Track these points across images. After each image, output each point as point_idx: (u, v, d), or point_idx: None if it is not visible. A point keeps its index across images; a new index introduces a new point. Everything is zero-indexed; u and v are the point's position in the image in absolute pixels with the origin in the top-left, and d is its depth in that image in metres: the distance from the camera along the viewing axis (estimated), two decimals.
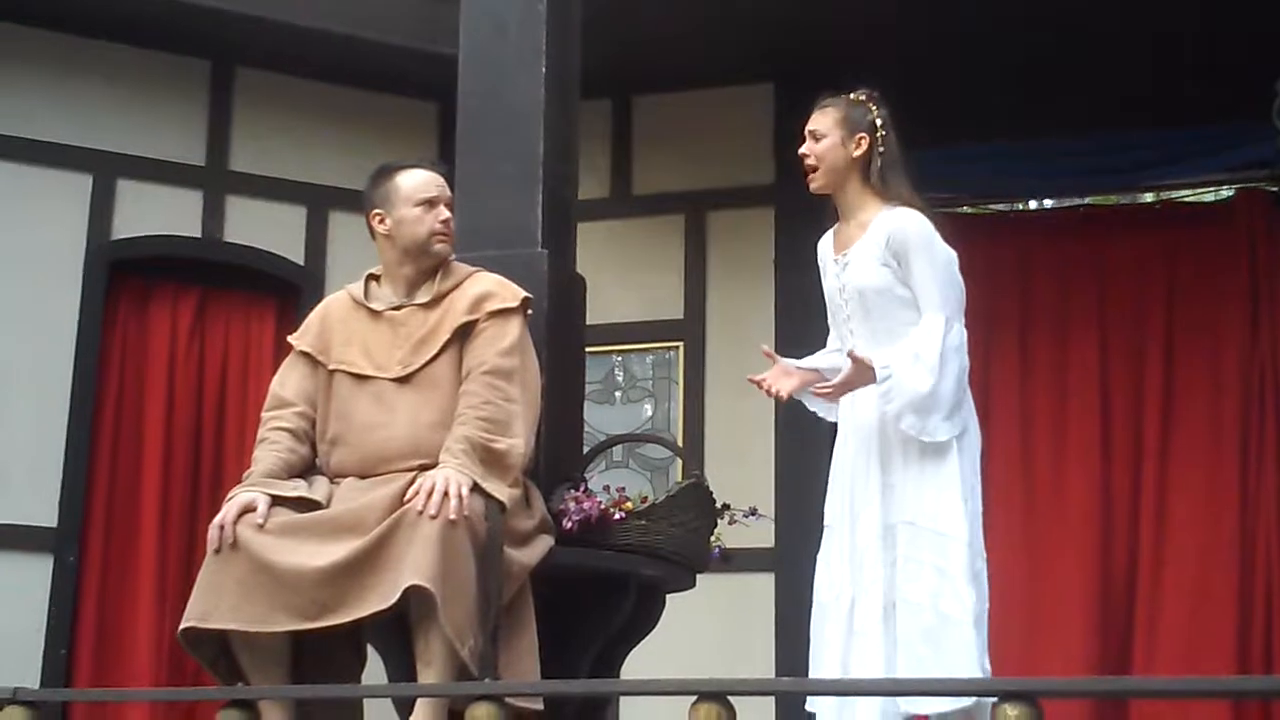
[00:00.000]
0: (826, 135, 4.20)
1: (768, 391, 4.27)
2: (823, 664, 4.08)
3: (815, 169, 4.22)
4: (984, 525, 6.11)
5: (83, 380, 6.65)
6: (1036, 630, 6.51)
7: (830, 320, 4.35)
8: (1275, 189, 6.75)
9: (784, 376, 4.28)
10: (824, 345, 4.41)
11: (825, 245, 4.33)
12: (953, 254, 4.16)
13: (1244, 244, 6.65)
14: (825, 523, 4.24)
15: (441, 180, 4.11)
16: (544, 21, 4.43)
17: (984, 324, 6.85)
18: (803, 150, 4.24)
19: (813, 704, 4.05)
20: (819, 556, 4.23)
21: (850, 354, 4.04)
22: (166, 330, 6.92)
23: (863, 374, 4.03)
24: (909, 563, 4.00)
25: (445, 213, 4.05)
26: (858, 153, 4.19)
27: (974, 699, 3.84)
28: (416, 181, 4.06)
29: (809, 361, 4.37)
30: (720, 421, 6.95)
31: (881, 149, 4.18)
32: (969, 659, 3.91)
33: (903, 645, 3.96)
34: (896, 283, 4.12)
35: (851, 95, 4.26)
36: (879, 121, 4.20)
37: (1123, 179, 7.08)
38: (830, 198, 4.28)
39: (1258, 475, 6.47)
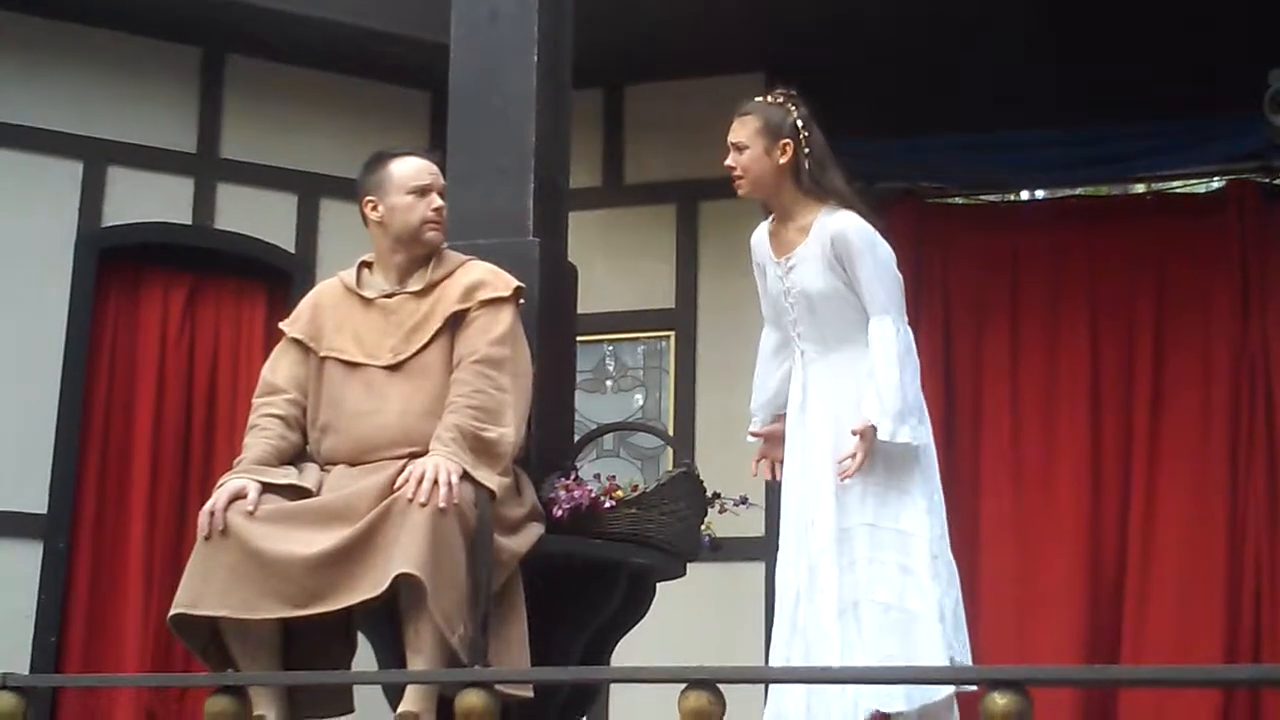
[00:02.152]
0: (749, 146, 4.18)
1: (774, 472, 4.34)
2: (771, 662, 4.11)
3: (741, 178, 4.22)
4: (973, 516, 6.14)
5: (73, 367, 6.64)
6: (1027, 620, 6.52)
7: (769, 317, 4.37)
8: (1266, 180, 6.76)
9: (777, 446, 4.33)
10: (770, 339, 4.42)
11: (762, 245, 4.31)
12: (891, 251, 4.16)
13: (1235, 235, 6.66)
14: (782, 527, 4.27)
15: (435, 168, 4.10)
16: (536, 10, 4.42)
17: (975, 314, 6.89)
18: (728, 163, 4.22)
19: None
20: (777, 559, 4.25)
21: (854, 432, 4.01)
22: (157, 317, 6.91)
23: (870, 439, 4.03)
24: (873, 564, 4.01)
25: (437, 201, 4.05)
26: (784, 160, 4.16)
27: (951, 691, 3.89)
28: (410, 169, 4.06)
29: (766, 401, 4.38)
30: (711, 410, 6.95)
31: (807, 150, 4.15)
32: (936, 652, 3.93)
33: (870, 644, 3.96)
34: (842, 285, 4.12)
35: (769, 99, 4.23)
36: (800, 123, 4.16)
37: (1114, 170, 7.09)
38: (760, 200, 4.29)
39: (1247, 464, 6.48)
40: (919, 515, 4.05)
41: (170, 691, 6.55)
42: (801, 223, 4.19)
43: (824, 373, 4.18)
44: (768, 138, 4.17)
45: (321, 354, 4.01)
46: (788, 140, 4.16)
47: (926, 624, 3.95)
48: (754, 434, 4.43)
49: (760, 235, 4.33)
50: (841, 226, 4.11)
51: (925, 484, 4.11)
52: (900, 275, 4.17)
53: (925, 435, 4.12)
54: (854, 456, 4.00)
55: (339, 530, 3.60)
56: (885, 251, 4.14)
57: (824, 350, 4.19)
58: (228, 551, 3.63)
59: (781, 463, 4.33)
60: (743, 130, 4.20)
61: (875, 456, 4.04)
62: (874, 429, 4.00)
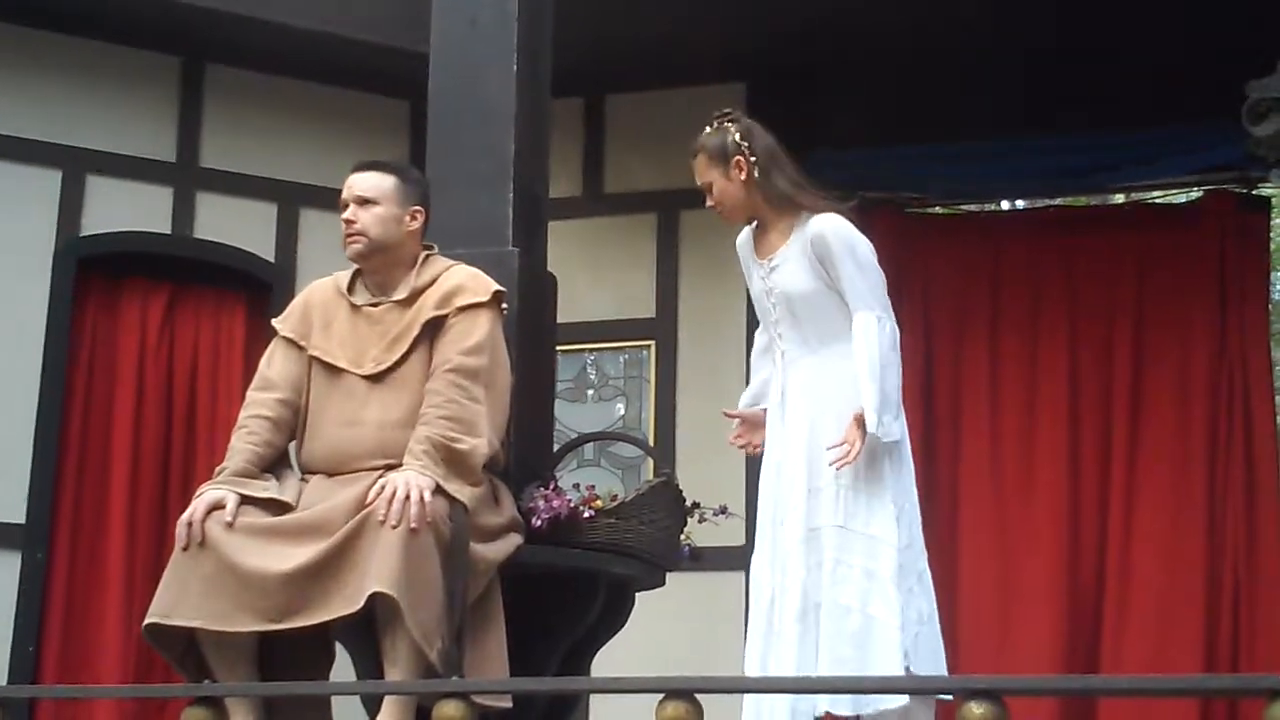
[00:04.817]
0: (711, 180, 4.25)
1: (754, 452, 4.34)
2: (746, 662, 4.11)
3: (721, 212, 4.29)
4: (952, 526, 6.14)
5: (51, 377, 6.61)
6: (1005, 630, 6.53)
7: (760, 319, 4.39)
8: (1244, 190, 6.79)
9: (755, 431, 4.35)
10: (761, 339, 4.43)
11: (746, 247, 4.36)
12: (871, 247, 4.20)
13: (1213, 245, 6.68)
14: (757, 527, 4.27)
15: (353, 180, 4.05)
16: (516, 19, 4.43)
17: (954, 324, 6.90)
18: (708, 204, 4.30)
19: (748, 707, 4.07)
20: (752, 560, 4.25)
21: (854, 419, 4.03)
22: (136, 327, 6.89)
23: (863, 428, 4.04)
24: (839, 565, 4.02)
25: (347, 213, 4.02)
26: (743, 177, 4.22)
27: (905, 700, 3.88)
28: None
29: (753, 393, 4.39)
30: (691, 420, 6.95)
31: (754, 158, 4.20)
32: (894, 661, 3.93)
33: (826, 646, 3.97)
34: (824, 286, 4.16)
35: (708, 128, 4.29)
36: (738, 137, 4.22)
37: (1093, 180, 7.11)
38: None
39: (1225, 475, 6.49)
40: (888, 521, 4.04)
41: (149, 702, 6.52)
42: (782, 225, 4.24)
43: (803, 374, 4.20)
44: (720, 164, 4.24)
45: (309, 352, 4.01)
46: (737, 157, 4.21)
47: (886, 631, 3.95)
48: (728, 413, 4.43)
49: (745, 238, 4.38)
50: (820, 228, 4.15)
51: (899, 490, 4.11)
52: (882, 271, 4.19)
53: (901, 432, 4.12)
54: (848, 446, 4.00)
55: (314, 545, 3.59)
56: (865, 248, 4.17)
57: (805, 351, 4.22)
58: (205, 562, 3.63)
59: (758, 447, 4.34)
60: (700, 169, 4.29)
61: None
62: (863, 419, 4.01)
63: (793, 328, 4.23)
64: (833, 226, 4.15)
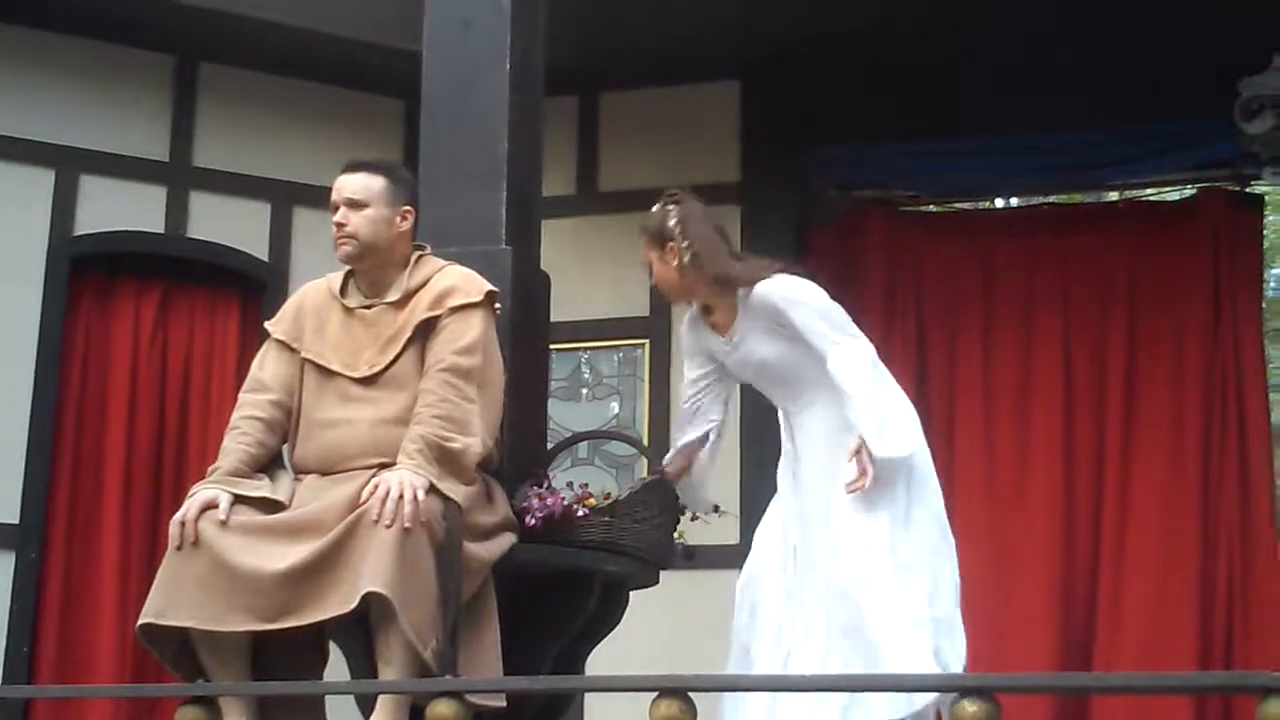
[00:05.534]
0: (651, 260, 4.31)
1: None
2: (750, 699, 4.09)
3: (662, 292, 4.36)
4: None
5: (45, 376, 6.61)
6: (1000, 627, 6.53)
7: (695, 388, 4.43)
8: (1237, 188, 6.80)
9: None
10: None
11: (699, 331, 4.39)
12: (812, 286, 4.21)
13: (1206, 242, 6.70)
14: (759, 536, 4.29)
15: (342, 182, 4.05)
16: (509, 18, 4.42)
17: (948, 322, 6.91)
18: (651, 282, 4.36)
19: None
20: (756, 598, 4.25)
21: (853, 452, 4.06)
22: (129, 326, 6.88)
23: (867, 454, 4.06)
24: (847, 591, 4.03)
25: (337, 216, 4.02)
26: (675, 262, 4.25)
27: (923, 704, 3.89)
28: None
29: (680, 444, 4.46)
30: None
31: (686, 243, 4.22)
32: (908, 663, 3.92)
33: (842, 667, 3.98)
34: (791, 346, 4.20)
35: (654, 208, 4.32)
36: (673, 222, 4.25)
37: (1087, 177, 7.12)
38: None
39: (1219, 472, 6.50)
40: (879, 529, 4.05)
41: (144, 702, 6.51)
42: (728, 302, 4.28)
43: (810, 424, 4.24)
44: (657, 246, 4.30)
45: (302, 355, 4.01)
46: (671, 244, 4.25)
47: (891, 635, 3.95)
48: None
49: (687, 326, 4.42)
50: (762, 296, 4.20)
51: (911, 502, 4.11)
52: (832, 303, 4.21)
53: (909, 445, 4.12)
54: (859, 475, 4.02)
55: (308, 544, 3.59)
56: (806, 292, 4.21)
57: (803, 405, 4.27)
58: (198, 562, 3.62)
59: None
60: (643, 247, 4.33)
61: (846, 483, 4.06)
62: (866, 445, 4.03)
63: (780, 386, 4.30)
64: (769, 289, 4.19)
